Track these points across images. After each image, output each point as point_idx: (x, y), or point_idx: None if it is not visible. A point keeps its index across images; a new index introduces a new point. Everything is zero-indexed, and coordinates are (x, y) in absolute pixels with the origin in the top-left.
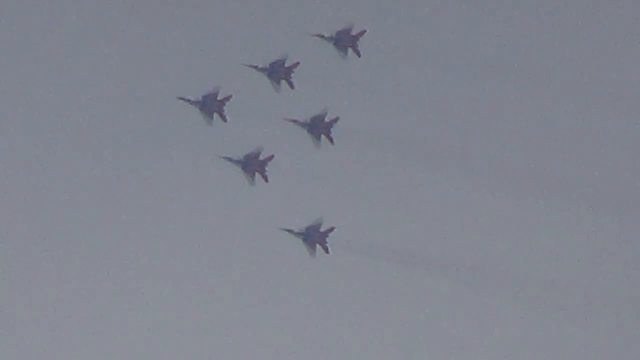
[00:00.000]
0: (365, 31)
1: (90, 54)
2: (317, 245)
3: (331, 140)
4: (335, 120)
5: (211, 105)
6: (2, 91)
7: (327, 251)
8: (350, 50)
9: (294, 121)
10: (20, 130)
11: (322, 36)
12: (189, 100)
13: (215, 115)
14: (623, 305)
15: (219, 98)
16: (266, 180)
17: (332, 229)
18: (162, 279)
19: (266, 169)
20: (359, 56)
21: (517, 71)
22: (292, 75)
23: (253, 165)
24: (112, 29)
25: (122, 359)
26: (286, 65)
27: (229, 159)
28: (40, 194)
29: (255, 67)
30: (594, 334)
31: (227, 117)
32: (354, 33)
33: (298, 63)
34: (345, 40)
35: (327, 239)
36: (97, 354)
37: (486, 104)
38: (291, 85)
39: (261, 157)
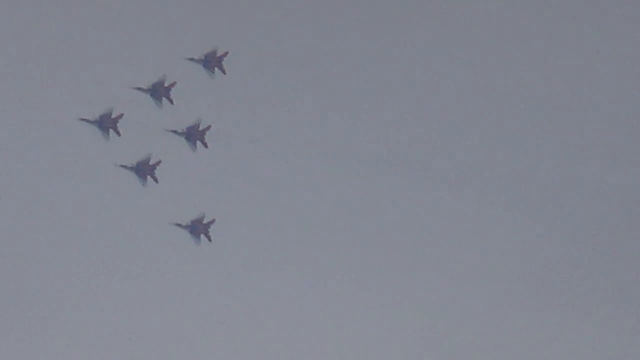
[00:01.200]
0: (227, 52)
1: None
2: (202, 236)
3: (205, 145)
4: (208, 128)
5: (107, 123)
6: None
7: (210, 240)
8: (216, 69)
9: (174, 131)
10: None
11: (193, 59)
12: (88, 120)
13: (111, 130)
14: None
15: (112, 116)
16: (156, 181)
17: (213, 221)
18: (71, 269)
19: (155, 172)
20: (224, 73)
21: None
22: (171, 93)
23: (145, 170)
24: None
25: None
26: (165, 85)
27: (124, 166)
28: None
29: (140, 89)
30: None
31: (120, 131)
32: (218, 54)
33: (175, 82)
34: (212, 61)
35: (209, 230)
36: None
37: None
38: (171, 101)
39: (151, 163)
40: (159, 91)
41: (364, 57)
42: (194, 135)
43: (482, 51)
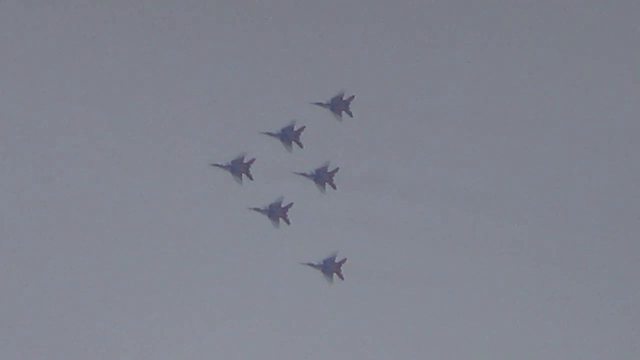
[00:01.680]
0: (354, 96)
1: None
2: (334, 274)
3: (334, 187)
4: (336, 170)
5: (239, 168)
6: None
7: (342, 278)
8: (344, 112)
9: (303, 174)
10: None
11: (320, 103)
12: (221, 165)
13: (244, 175)
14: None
15: (245, 161)
16: (288, 223)
17: (344, 260)
18: (201, 312)
19: (287, 214)
20: (351, 116)
21: (511, 118)
22: (300, 137)
23: (277, 212)
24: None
25: None
26: (295, 129)
27: (257, 209)
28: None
29: (270, 134)
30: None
31: (252, 176)
32: (345, 98)
33: (304, 127)
34: (338, 105)
35: (341, 268)
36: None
37: (475, 146)
38: (300, 145)
39: (282, 205)
40: (289, 135)
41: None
42: (322, 177)
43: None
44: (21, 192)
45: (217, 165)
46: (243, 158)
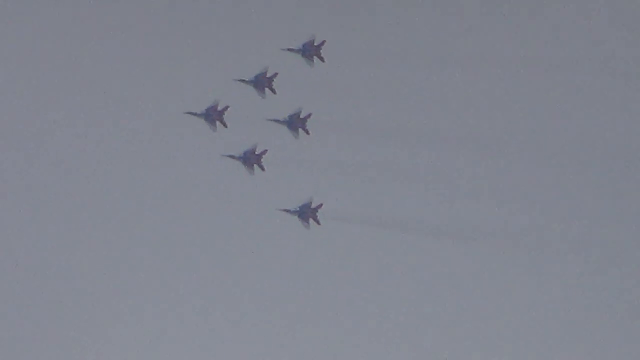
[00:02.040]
0: (325, 41)
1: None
2: (310, 220)
3: (307, 132)
4: (309, 115)
5: (213, 115)
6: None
7: (318, 223)
8: (315, 58)
9: (276, 120)
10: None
11: (292, 49)
12: (195, 114)
13: (218, 122)
14: None
15: (218, 109)
16: (263, 169)
17: (320, 205)
18: (181, 261)
19: (262, 161)
20: (323, 61)
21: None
22: (273, 83)
23: (251, 159)
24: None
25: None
26: (267, 76)
27: (232, 156)
28: (47, 197)
29: (244, 81)
30: None
31: (226, 123)
32: (316, 44)
33: (277, 73)
34: (310, 50)
35: (317, 214)
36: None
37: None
38: (273, 91)
39: (257, 152)
40: (262, 82)
41: (461, 53)
42: (295, 123)
43: None
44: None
45: (191, 113)
46: (217, 105)
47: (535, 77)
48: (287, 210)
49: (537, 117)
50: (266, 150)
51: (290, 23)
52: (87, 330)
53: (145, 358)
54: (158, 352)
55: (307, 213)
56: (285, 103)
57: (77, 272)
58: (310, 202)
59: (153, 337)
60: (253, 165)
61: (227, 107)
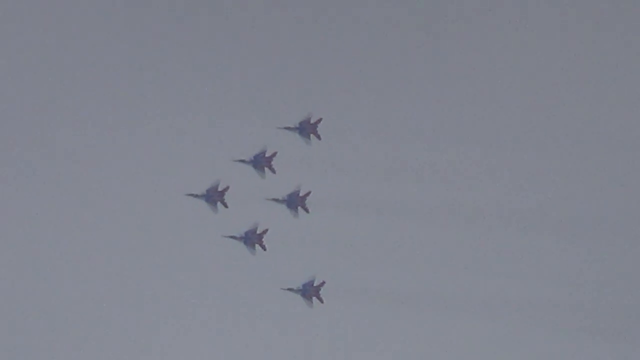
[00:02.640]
0: (321, 119)
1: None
2: (314, 298)
3: (306, 210)
4: (308, 194)
5: (214, 197)
6: None
7: (322, 301)
8: (312, 135)
9: (275, 199)
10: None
11: (289, 127)
12: (196, 195)
13: (219, 203)
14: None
15: (219, 190)
16: (264, 249)
17: (323, 283)
18: (190, 331)
19: (263, 240)
20: (320, 139)
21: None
22: (272, 162)
23: (253, 239)
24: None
25: None
26: (266, 155)
27: (234, 237)
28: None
29: (243, 161)
30: None
31: (227, 204)
32: (312, 121)
33: (276, 152)
34: (306, 128)
35: (320, 292)
36: None
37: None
38: (273, 171)
39: (258, 232)
40: (261, 162)
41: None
42: (295, 201)
43: None
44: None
45: (192, 195)
46: (217, 186)
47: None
48: (291, 289)
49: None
50: (267, 230)
51: (287, 102)
52: None
53: None
54: None
55: (310, 291)
56: (284, 182)
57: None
58: (313, 280)
59: None
60: (255, 245)
61: (227, 188)
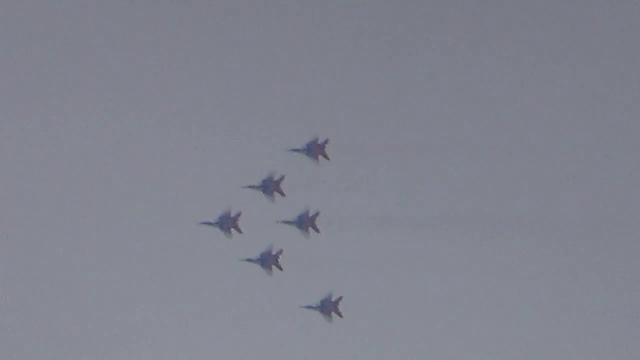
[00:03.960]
0: (328, 139)
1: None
2: (332, 313)
3: (317, 230)
4: (317, 214)
5: (227, 223)
6: None
7: (340, 316)
8: (320, 156)
9: (286, 222)
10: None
11: (297, 149)
12: (210, 223)
13: (232, 229)
14: None
15: (231, 216)
16: (281, 269)
17: (340, 298)
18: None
19: (279, 261)
20: (328, 159)
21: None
22: (281, 186)
23: (268, 260)
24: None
25: None
26: (275, 179)
27: (250, 260)
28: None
29: (252, 187)
30: None
31: (241, 229)
32: (320, 142)
33: (284, 176)
34: (314, 149)
35: (338, 307)
36: None
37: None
38: (282, 194)
39: (273, 253)
40: (270, 186)
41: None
42: (305, 222)
43: None
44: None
45: (206, 222)
46: (229, 213)
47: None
48: (310, 307)
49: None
50: (282, 250)
51: (293, 124)
52: None
53: None
54: None
55: (328, 307)
56: (295, 203)
57: None
58: (330, 296)
59: None
60: (271, 266)
61: (239, 214)
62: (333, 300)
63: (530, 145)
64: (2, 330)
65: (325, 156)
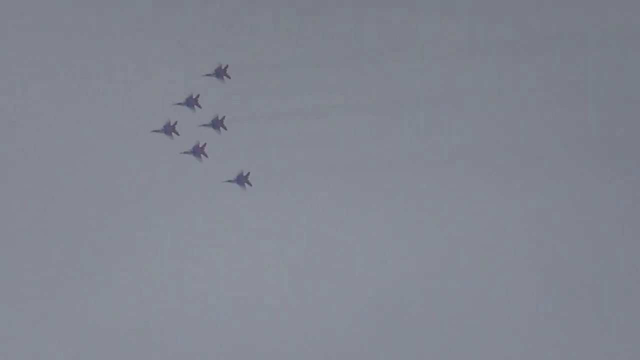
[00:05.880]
0: (228, 65)
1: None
2: (245, 184)
3: (225, 128)
4: (224, 117)
5: (170, 129)
6: None
7: (250, 185)
8: (225, 77)
9: (205, 125)
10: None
11: (208, 74)
12: (158, 130)
13: (174, 134)
14: None
15: (171, 124)
16: (206, 156)
17: (249, 173)
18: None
19: (205, 150)
20: (230, 78)
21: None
22: (199, 101)
23: (198, 151)
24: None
25: None
26: (194, 97)
27: (186, 152)
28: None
29: (179, 104)
30: None
31: (178, 132)
32: (223, 67)
33: (199, 95)
34: (220, 73)
35: (249, 179)
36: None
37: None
38: (199, 106)
39: (200, 145)
40: (192, 101)
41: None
42: (217, 123)
43: None
44: None
45: (155, 130)
46: (170, 122)
47: None
48: (229, 181)
49: None
50: (205, 143)
51: (204, 53)
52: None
53: None
54: None
55: (242, 179)
56: (209, 112)
57: None
58: (242, 172)
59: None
60: (200, 155)
61: (176, 122)
62: (244, 175)
63: None
64: None
65: (228, 76)
